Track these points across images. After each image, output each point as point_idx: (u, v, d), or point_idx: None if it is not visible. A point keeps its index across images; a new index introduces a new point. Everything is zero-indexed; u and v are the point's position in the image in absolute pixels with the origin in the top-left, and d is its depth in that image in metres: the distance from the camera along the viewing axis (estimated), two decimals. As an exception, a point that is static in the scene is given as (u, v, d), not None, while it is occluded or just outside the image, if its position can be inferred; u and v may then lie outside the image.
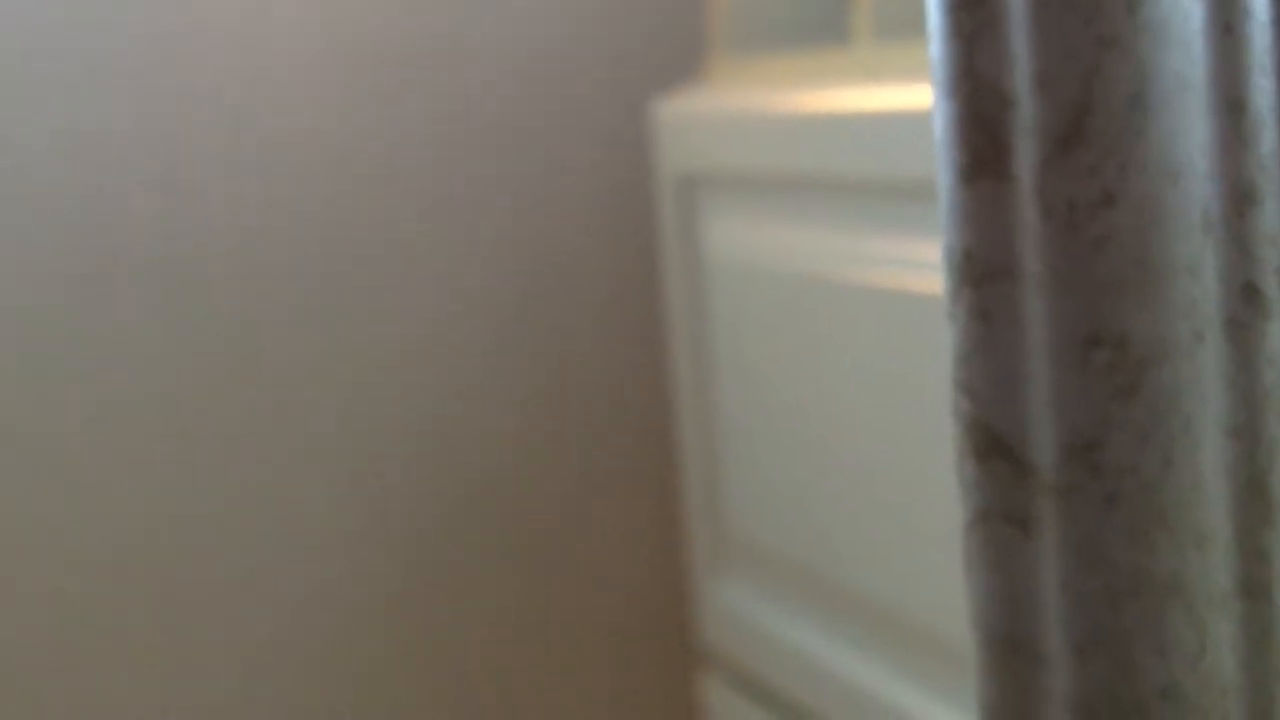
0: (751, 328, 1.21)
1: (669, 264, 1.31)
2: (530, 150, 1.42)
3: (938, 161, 0.35)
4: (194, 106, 1.36)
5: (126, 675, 1.37)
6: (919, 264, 0.99)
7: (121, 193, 1.35)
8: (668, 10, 1.43)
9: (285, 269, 1.39)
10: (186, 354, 1.37)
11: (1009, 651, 0.35)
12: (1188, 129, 0.30)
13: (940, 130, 0.35)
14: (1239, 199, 0.29)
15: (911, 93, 1.00)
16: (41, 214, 1.34)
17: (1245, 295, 0.30)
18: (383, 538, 1.39)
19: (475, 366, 1.42)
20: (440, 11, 1.40)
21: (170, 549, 1.37)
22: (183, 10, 1.35)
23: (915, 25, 1.01)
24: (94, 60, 1.34)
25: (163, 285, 1.36)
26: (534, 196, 1.43)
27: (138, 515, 1.36)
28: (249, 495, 1.38)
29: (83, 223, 1.34)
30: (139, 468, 1.36)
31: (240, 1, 1.37)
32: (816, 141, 1.11)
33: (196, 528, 1.37)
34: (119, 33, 1.34)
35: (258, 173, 1.38)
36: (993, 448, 0.35)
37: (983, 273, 0.35)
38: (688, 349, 1.30)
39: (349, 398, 1.40)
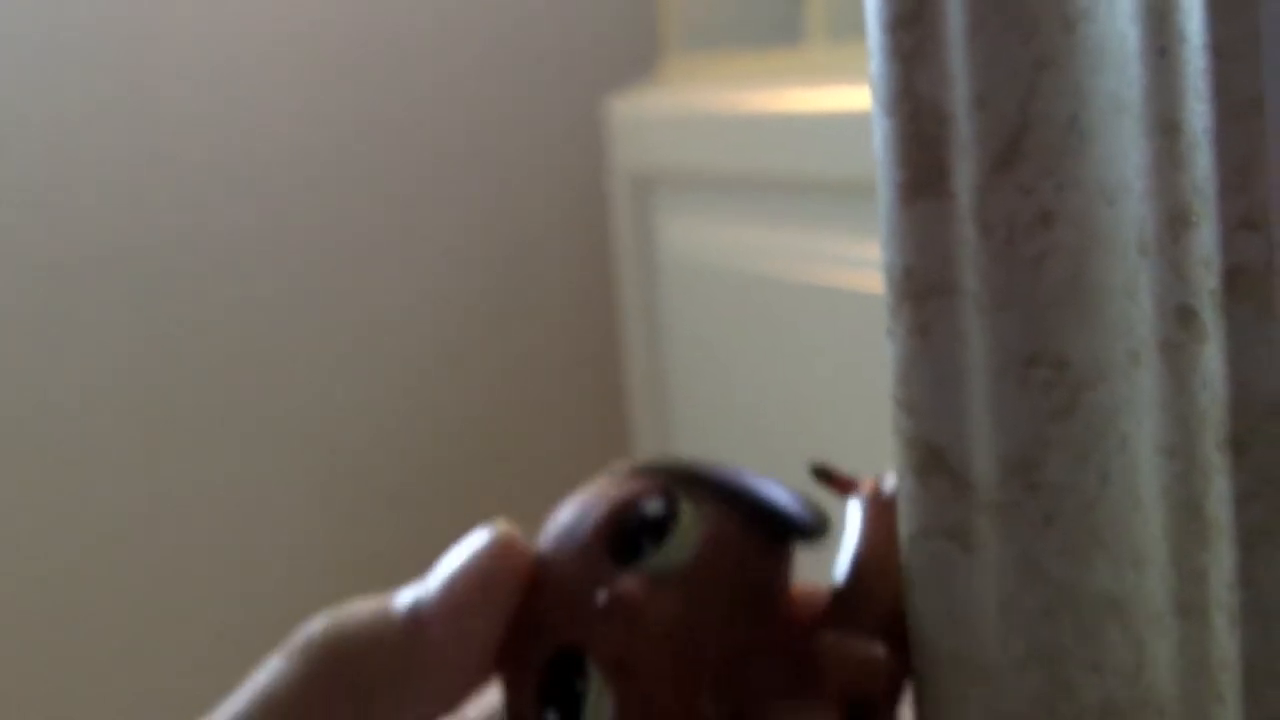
0: (705, 325, 1.21)
1: (624, 262, 1.32)
2: (486, 149, 1.42)
3: (878, 179, 0.35)
4: (159, 100, 1.36)
5: (97, 653, 1.36)
6: (871, 263, 0.99)
7: (88, 185, 1.34)
8: (621, 9, 1.43)
9: (247, 261, 1.38)
10: (154, 345, 1.36)
11: (948, 667, 0.35)
12: (1123, 150, 0.30)
13: (880, 148, 0.35)
14: (1174, 221, 0.30)
15: (864, 93, 1.00)
16: (4, 206, 1.33)
17: (1180, 317, 0.30)
18: (342, 527, 1.39)
19: (431, 363, 1.42)
20: (396, 11, 1.40)
21: (138, 534, 1.37)
22: (150, 5, 1.34)
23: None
24: (53, 50, 1.33)
25: (133, 275, 1.35)
26: (490, 195, 1.42)
27: (106, 501, 1.35)
28: (216, 484, 1.38)
29: (48, 215, 1.34)
30: (107, 456, 1.36)
31: (192, -2, 1.36)
32: (770, 141, 1.11)
33: (165, 515, 1.37)
34: (80, 20, 1.34)
35: (223, 167, 1.37)
36: (932, 464, 0.35)
37: (922, 290, 0.35)
38: (642, 346, 1.30)
39: (310, 391, 1.39)
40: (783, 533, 0.38)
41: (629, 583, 0.35)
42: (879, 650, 0.36)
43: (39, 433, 1.33)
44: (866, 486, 0.40)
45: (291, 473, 1.39)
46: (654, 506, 0.37)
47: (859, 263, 1.01)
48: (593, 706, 0.35)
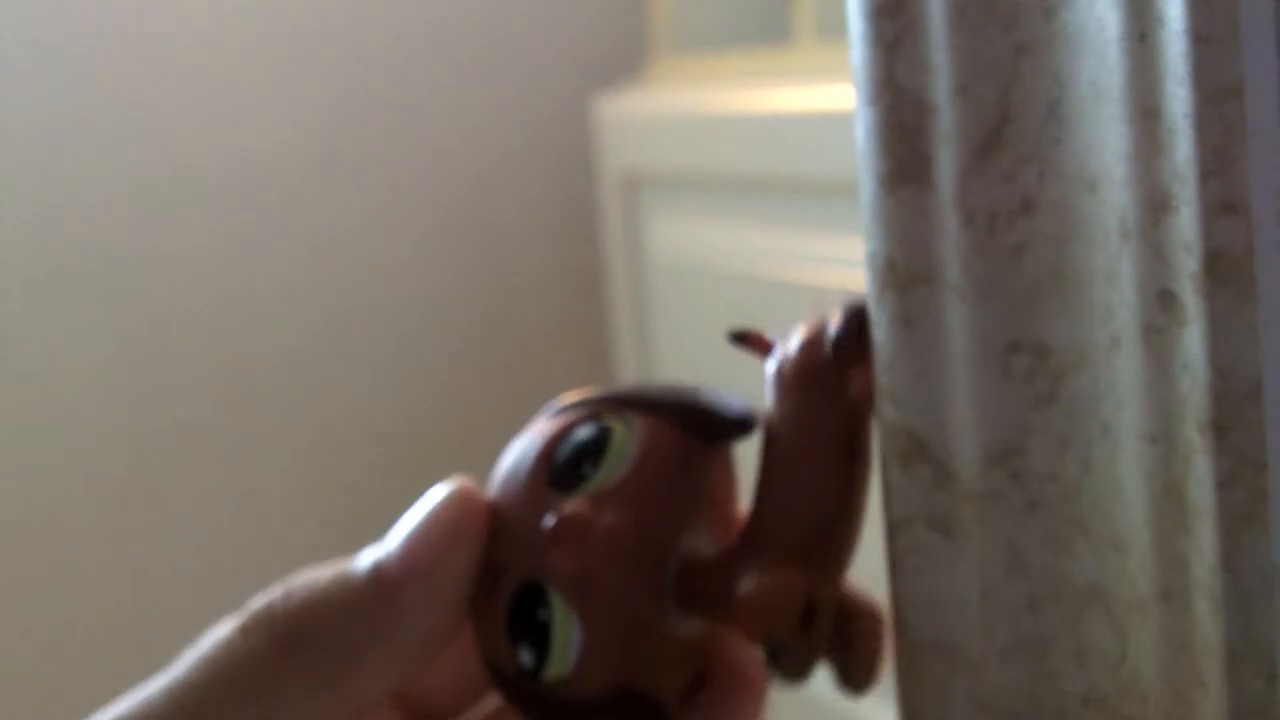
0: (694, 325, 1.21)
1: (613, 263, 1.31)
2: (473, 148, 1.42)
3: (860, 169, 0.35)
4: (146, 100, 1.35)
5: (86, 659, 1.36)
6: (861, 262, 0.99)
7: (75, 191, 1.34)
8: (609, 9, 1.43)
9: (233, 263, 1.38)
10: (143, 342, 1.36)
11: (931, 656, 0.35)
12: (1104, 137, 0.30)
13: (862, 138, 0.35)
14: (1155, 206, 0.30)
15: (852, 92, 1.00)
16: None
17: (1161, 302, 0.30)
18: (331, 532, 1.39)
19: (419, 363, 1.42)
20: (382, 10, 1.40)
21: (127, 539, 1.37)
22: (128, 11, 1.34)
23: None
24: (41, 56, 1.33)
25: (122, 274, 1.35)
26: (477, 195, 1.42)
27: (93, 506, 1.35)
28: (204, 489, 1.38)
29: (37, 222, 1.34)
30: (94, 460, 1.35)
31: None
32: (759, 141, 1.11)
33: (155, 520, 1.37)
34: (61, 29, 1.34)
35: (211, 169, 1.37)
36: (915, 453, 0.35)
37: (905, 280, 0.35)
38: (631, 346, 1.30)
39: (297, 395, 1.39)
40: (716, 429, 0.38)
41: (573, 504, 0.36)
42: (782, 589, 0.36)
43: (26, 438, 1.33)
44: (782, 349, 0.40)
45: (279, 479, 1.39)
46: (585, 431, 0.37)
47: (848, 262, 1.01)
48: (559, 630, 0.35)
